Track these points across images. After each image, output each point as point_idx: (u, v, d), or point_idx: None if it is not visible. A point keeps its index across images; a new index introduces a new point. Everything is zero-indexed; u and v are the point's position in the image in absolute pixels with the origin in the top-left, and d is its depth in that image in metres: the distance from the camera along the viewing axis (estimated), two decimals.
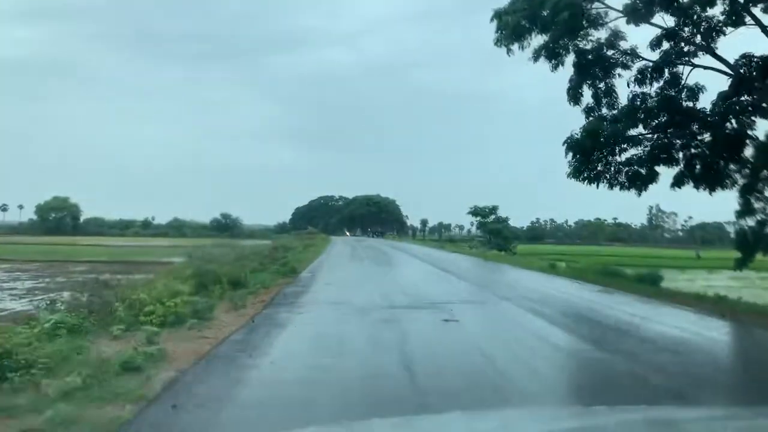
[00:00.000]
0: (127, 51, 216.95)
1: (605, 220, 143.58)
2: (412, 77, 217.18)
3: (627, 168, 16.94)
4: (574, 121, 17.36)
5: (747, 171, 16.06)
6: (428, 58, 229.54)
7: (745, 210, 15.86)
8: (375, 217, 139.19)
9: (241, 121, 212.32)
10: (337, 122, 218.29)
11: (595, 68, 17.00)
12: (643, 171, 16.81)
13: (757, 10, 14.97)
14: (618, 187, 17.09)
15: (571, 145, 16.88)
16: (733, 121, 16.18)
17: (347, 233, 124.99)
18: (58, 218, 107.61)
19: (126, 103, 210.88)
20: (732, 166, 16.31)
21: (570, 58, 16.89)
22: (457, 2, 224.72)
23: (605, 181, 17.11)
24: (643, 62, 16.84)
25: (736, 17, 15.41)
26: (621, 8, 16.07)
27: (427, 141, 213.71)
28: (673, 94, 16.68)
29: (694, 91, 16.48)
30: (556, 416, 2.33)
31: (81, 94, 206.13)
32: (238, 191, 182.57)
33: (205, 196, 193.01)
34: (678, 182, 16.71)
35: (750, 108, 15.98)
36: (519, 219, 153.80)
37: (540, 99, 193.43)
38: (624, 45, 16.86)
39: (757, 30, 14.85)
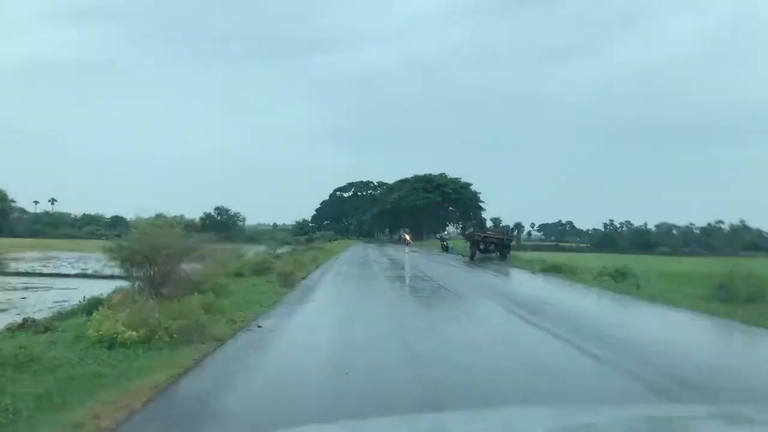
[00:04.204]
0: (163, 51, 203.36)
1: (719, 223, 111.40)
2: (458, 75, 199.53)
3: None
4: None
5: None
6: (475, 55, 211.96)
7: None
8: (437, 210, 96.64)
9: (280, 119, 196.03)
10: (380, 121, 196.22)
11: None
12: None
13: None
14: None
15: None
16: None
17: (406, 237, 73.61)
18: None
19: (161, 103, 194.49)
20: None
21: None
22: None
23: None
24: None
25: None
26: None
27: (480, 138, 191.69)
28: None
29: None
30: (557, 415, 2.20)
31: (125, 95, 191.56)
32: (271, 191, 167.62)
33: (238, 195, 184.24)
34: None
35: None
36: (582, 221, 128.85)
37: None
38: None
39: None
